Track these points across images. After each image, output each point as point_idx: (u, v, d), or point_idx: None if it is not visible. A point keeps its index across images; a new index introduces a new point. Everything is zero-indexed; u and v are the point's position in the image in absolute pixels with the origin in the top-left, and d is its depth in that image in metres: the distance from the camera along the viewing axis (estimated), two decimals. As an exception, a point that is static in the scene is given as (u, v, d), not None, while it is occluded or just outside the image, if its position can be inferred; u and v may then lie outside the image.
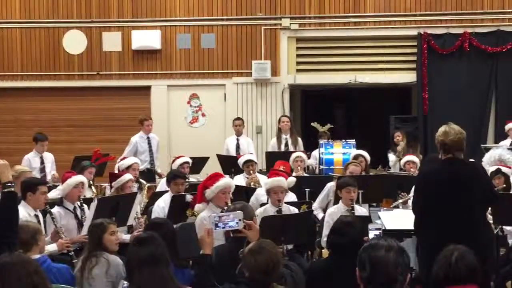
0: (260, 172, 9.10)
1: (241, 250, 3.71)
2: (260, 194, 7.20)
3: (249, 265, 3.47)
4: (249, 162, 8.63)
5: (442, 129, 4.95)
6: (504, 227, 5.99)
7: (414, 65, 11.84)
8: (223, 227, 4.12)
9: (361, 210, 6.61)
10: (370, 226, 3.38)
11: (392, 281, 2.79)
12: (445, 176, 4.80)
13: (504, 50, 11.44)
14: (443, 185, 4.76)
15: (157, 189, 8.32)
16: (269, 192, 6.48)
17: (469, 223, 4.70)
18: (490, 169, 7.60)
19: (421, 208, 4.81)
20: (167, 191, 7.17)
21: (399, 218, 5.30)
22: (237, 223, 4.07)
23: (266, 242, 3.56)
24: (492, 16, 11.57)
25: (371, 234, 3.76)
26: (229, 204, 5.20)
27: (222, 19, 11.99)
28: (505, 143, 10.11)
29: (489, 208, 5.92)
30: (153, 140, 10.41)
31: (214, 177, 6.12)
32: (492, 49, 11.46)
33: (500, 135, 10.83)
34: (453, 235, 4.37)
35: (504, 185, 7.33)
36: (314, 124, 11.14)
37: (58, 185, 7.59)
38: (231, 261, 3.92)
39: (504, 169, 7.42)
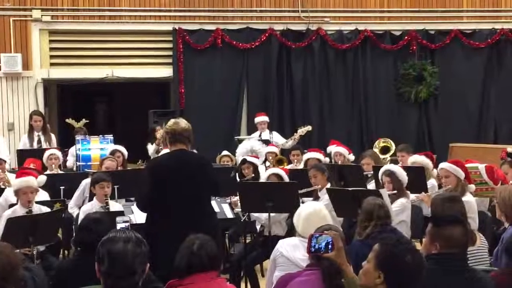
0: (13, 171, 8.62)
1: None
2: (9, 195, 6.82)
3: None
4: (-3, 161, 8.13)
5: (172, 120, 5.18)
6: (251, 213, 6.34)
7: (170, 60, 12.01)
8: None
9: (116, 205, 6.58)
10: (118, 218, 3.37)
11: (131, 273, 2.81)
12: (175, 166, 5.00)
13: (253, 46, 12.07)
14: (173, 175, 4.95)
15: None
16: (17, 193, 6.18)
17: (198, 212, 4.95)
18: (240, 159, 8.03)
19: (151, 199, 4.95)
20: None
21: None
22: None
23: (2, 245, 3.38)
24: (242, 14, 12.15)
25: (119, 227, 3.74)
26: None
27: (-34, 9, 11.17)
28: (257, 134, 10.73)
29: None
30: None
31: None
32: (243, 46, 12.03)
33: (252, 127, 11.43)
34: (184, 224, 4.55)
35: (253, 174, 7.79)
36: (69, 121, 10.83)
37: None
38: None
39: (251, 159, 7.86)
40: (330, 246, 3.34)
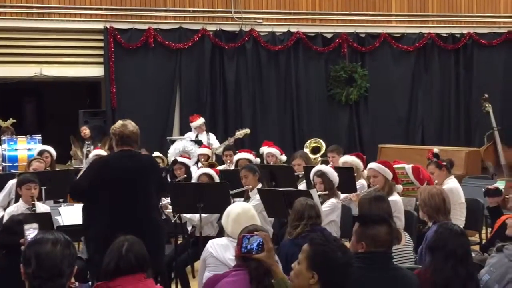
0: None
1: None
2: None
3: None
4: None
5: (120, 122, 5.12)
6: (182, 215, 6.30)
7: (101, 59, 11.83)
8: None
9: (43, 207, 6.42)
10: (26, 226, 3.28)
11: (59, 274, 2.76)
12: (122, 165, 4.94)
13: (186, 46, 12.02)
14: (122, 174, 4.89)
15: None
16: None
17: (143, 213, 4.91)
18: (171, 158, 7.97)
19: (90, 196, 4.89)
20: None
21: (79, 213, 5.27)
22: None
23: None
24: (174, 13, 12.08)
25: (28, 234, 3.62)
26: None
27: None
28: (190, 135, 10.67)
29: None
30: None
31: None
32: (175, 45, 11.97)
33: (185, 128, 11.38)
34: (126, 224, 4.49)
35: (185, 175, 7.75)
36: (-5, 120, 10.56)
37: None
38: None
39: (182, 159, 7.82)
40: (260, 247, 3.35)
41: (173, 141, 10.56)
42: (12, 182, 7.09)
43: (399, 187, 6.40)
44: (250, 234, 3.47)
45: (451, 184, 6.66)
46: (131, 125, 5.10)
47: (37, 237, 2.86)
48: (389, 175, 6.30)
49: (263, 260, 3.38)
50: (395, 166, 6.57)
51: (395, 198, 6.06)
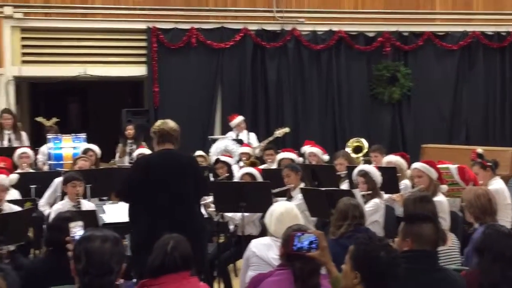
0: (-18, 170, 8.50)
1: None
2: (-21, 194, 6.71)
3: None
4: (-34, 160, 8.01)
5: (160, 121, 5.15)
6: (224, 214, 6.32)
7: (144, 59, 11.94)
8: None
9: (88, 204, 6.52)
10: (71, 224, 3.33)
11: (108, 271, 2.79)
12: (163, 165, 4.97)
13: (227, 46, 12.05)
14: (164, 174, 4.92)
15: None
16: (-13, 191, 6.09)
17: (185, 211, 4.93)
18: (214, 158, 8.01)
19: (134, 195, 4.92)
20: None
21: (123, 211, 5.33)
22: None
23: None
24: (216, 13, 12.12)
25: (74, 233, 3.65)
26: None
27: None
28: (231, 134, 10.71)
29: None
30: None
31: None
32: (217, 45, 12.01)
33: (226, 127, 11.41)
34: (170, 223, 4.53)
35: (227, 174, 7.78)
36: (39, 119, 10.73)
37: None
38: None
39: (225, 159, 7.85)
40: (314, 245, 3.32)
41: (214, 140, 10.64)
42: (58, 180, 7.21)
43: (444, 187, 6.31)
44: (301, 232, 3.44)
45: (496, 185, 6.53)
46: (171, 122, 5.15)
47: (87, 233, 2.90)
48: (434, 175, 6.21)
49: (317, 258, 3.37)
50: (439, 166, 6.48)
51: (440, 198, 5.97)
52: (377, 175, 6.36)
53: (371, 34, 12.61)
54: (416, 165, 6.38)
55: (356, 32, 12.55)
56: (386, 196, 6.49)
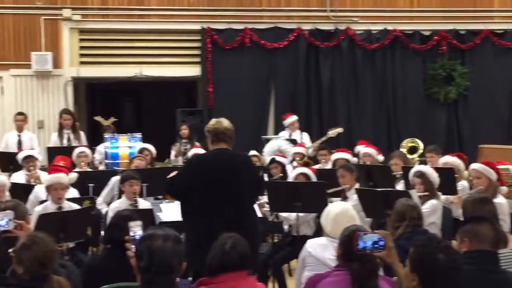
0: (42, 168, 8.72)
1: (12, 249, 3.52)
2: (39, 191, 6.89)
3: (24, 258, 3.34)
4: (28, 158, 8.22)
5: (214, 120, 5.16)
6: (279, 213, 6.32)
7: (198, 59, 12.03)
8: None
9: (144, 203, 6.61)
10: (131, 223, 3.36)
11: (169, 270, 2.84)
12: (217, 164, 4.97)
13: (281, 46, 12.04)
14: (214, 173, 4.93)
15: None
16: (48, 189, 6.24)
17: (240, 211, 4.93)
18: (268, 158, 8.01)
19: (186, 194, 4.94)
20: None
21: (179, 210, 5.37)
22: (7, 222, 3.85)
23: (40, 234, 3.46)
24: (270, 13, 12.13)
25: (133, 232, 3.70)
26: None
27: (-2, 8, 11.33)
28: (284, 134, 10.71)
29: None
30: None
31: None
32: (270, 45, 12.02)
33: (279, 127, 11.41)
34: (224, 222, 4.54)
35: (281, 174, 7.78)
36: (98, 118, 10.93)
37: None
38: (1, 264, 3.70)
39: (279, 159, 7.83)
40: (378, 245, 3.30)
41: (268, 140, 10.65)
42: (115, 179, 7.33)
43: (504, 188, 6.17)
44: (364, 232, 3.43)
45: (558, 186, 6.35)
46: (226, 121, 5.12)
47: (149, 232, 2.95)
48: (493, 176, 6.08)
49: (383, 258, 3.35)
50: (499, 167, 6.33)
51: (500, 200, 5.84)
52: (434, 176, 6.26)
53: (426, 33, 12.42)
54: (475, 165, 6.26)
55: (411, 30, 12.38)
56: (443, 197, 6.37)
